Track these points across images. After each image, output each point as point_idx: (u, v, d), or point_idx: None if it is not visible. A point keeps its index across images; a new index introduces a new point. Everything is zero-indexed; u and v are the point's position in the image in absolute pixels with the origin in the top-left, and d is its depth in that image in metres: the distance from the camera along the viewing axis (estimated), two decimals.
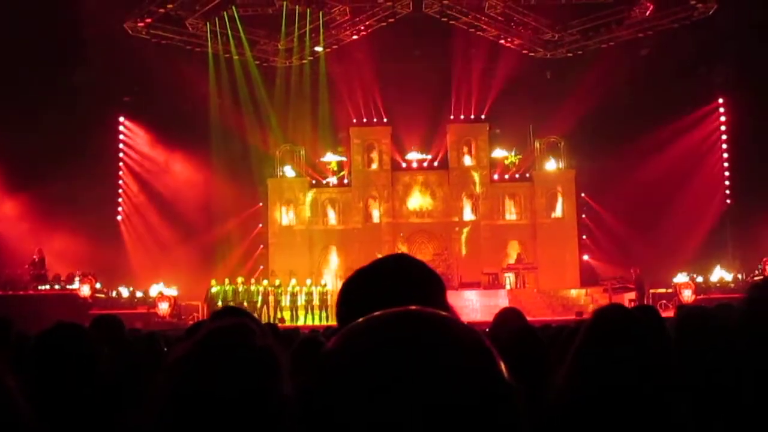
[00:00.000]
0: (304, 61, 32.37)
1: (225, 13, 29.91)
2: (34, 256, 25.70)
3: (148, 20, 28.96)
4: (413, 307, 1.06)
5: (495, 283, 28.82)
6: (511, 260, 30.99)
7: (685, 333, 4.09)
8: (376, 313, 1.05)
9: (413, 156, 33.76)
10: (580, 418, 2.68)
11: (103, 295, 25.85)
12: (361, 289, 1.93)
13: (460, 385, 0.96)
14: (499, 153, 33.82)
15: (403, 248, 31.20)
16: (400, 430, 0.93)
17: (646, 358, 2.74)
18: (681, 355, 3.88)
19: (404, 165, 33.68)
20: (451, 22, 30.74)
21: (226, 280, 26.67)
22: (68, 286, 25.15)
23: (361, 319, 1.06)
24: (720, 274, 26.93)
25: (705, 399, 3.32)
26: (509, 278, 29.47)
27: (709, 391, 3.40)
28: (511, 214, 33.34)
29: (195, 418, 1.78)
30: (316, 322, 24.83)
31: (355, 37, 31.64)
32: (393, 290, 1.83)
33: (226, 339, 1.92)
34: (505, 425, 0.98)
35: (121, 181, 31.94)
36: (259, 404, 1.81)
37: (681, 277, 26.21)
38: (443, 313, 1.06)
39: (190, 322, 17.62)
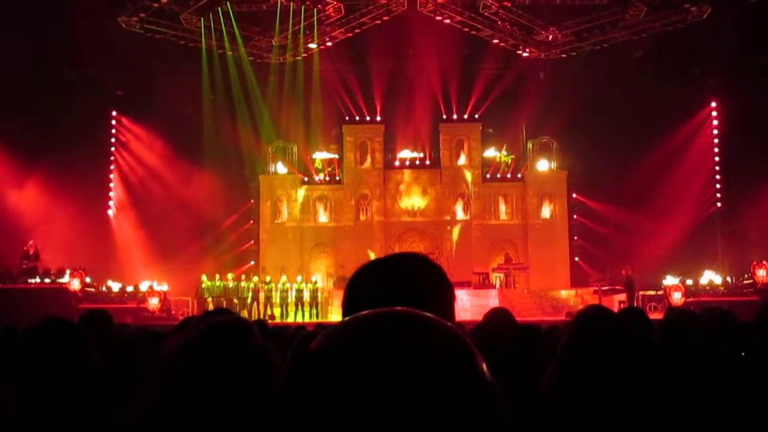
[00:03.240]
0: (298, 58, 32.32)
1: (219, 8, 29.87)
2: (28, 249, 25.61)
3: (142, 15, 28.86)
4: (398, 308, 1.07)
5: (486, 283, 28.85)
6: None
7: (672, 335, 4.11)
8: (360, 314, 1.06)
9: (406, 154, 33.78)
10: (566, 420, 2.69)
11: (93, 290, 25.78)
12: (368, 283, 1.92)
13: (441, 388, 0.96)
14: (491, 153, 33.86)
15: (395, 247, 31.24)
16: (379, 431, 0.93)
17: (627, 360, 2.74)
18: (666, 357, 3.90)
19: (397, 163, 33.71)
20: (445, 21, 30.73)
21: (217, 276, 26.63)
22: (58, 280, 25.06)
23: (345, 319, 1.06)
24: (709, 277, 27.00)
25: (689, 399, 3.34)
26: (499, 278, 29.49)
27: (693, 392, 3.42)
28: (502, 214, 33.39)
29: (188, 412, 1.78)
30: (306, 319, 24.85)
31: (349, 34, 31.60)
32: (401, 288, 1.83)
33: (225, 335, 1.92)
34: (486, 427, 0.98)
35: (112, 176, 31.87)
36: (254, 401, 1.81)
37: (671, 280, 26.26)
38: (428, 314, 1.07)
39: (180, 318, 17.57)
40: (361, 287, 1.90)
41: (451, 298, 1.95)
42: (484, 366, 1.01)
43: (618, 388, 2.66)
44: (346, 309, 1.89)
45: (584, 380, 2.70)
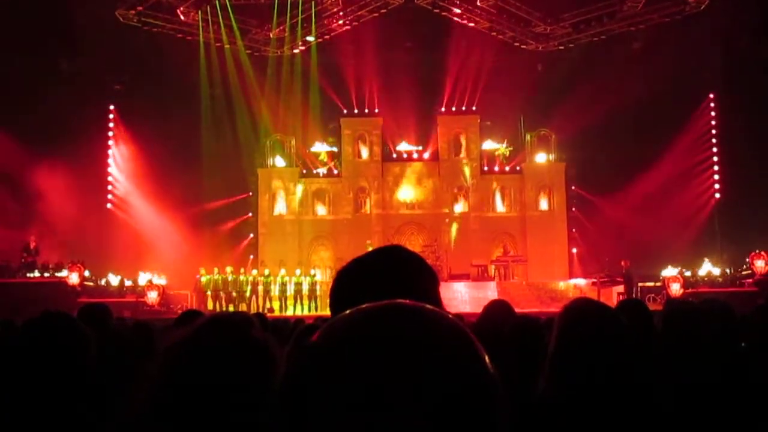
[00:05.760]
0: (296, 51, 32.30)
1: (217, 1, 29.83)
2: (29, 243, 25.59)
3: (140, 8, 28.84)
4: (399, 301, 1.06)
5: (484, 275, 28.84)
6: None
7: (672, 328, 4.10)
8: (362, 306, 1.05)
9: (404, 147, 33.76)
10: (560, 419, 2.67)
11: (91, 284, 25.76)
12: (353, 279, 1.92)
13: (443, 380, 0.96)
14: (489, 145, 33.84)
15: (393, 240, 31.21)
16: (380, 424, 0.93)
17: (620, 353, 2.70)
18: (667, 350, 3.89)
19: (395, 156, 33.68)
20: (443, 13, 30.70)
21: (215, 270, 26.63)
22: (57, 274, 25.05)
23: (346, 312, 1.06)
24: (708, 268, 27.02)
25: (690, 393, 3.33)
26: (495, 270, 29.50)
27: (694, 386, 3.41)
28: (500, 207, 33.40)
29: (189, 406, 1.77)
30: (305, 312, 24.84)
31: (347, 27, 31.57)
32: (385, 282, 1.83)
33: (227, 328, 1.92)
34: (487, 420, 0.98)
35: (111, 169, 31.83)
36: (255, 395, 1.81)
37: (669, 271, 26.28)
38: (429, 306, 1.06)
39: (179, 312, 17.56)
40: (347, 285, 1.91)
41: (436, 287, 1.96)
42: (486, 357, 1.01)
43: (613, 385, 2.64)
44: (334, 308, 1.89)
45: (573, 379, 2.68)
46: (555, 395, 2.72)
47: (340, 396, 0.95)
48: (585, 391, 2.64)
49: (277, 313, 24.87)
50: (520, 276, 30.03)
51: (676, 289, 25.14)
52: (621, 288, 24.85)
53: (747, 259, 25.72)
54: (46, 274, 25.06)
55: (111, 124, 31.90)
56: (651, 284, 26.27)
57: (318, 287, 26.99)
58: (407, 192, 33.30)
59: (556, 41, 31.87)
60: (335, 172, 33.49)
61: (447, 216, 32.82)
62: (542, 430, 2.73)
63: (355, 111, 33.28)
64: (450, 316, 1.06)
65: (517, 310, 5.19)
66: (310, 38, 31.74)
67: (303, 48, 32.20)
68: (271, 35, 31.74)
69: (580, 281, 28.20)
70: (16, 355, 3.00)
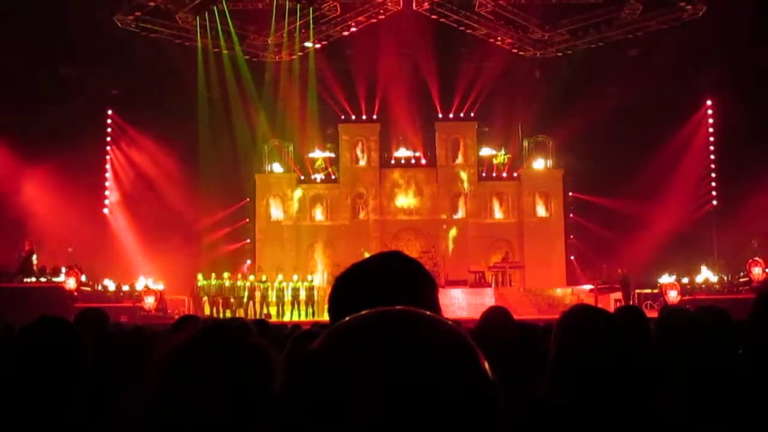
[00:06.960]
0: (294, 57, 32.32)
1: (215, 7, 29.83)
2: (22, 249, 25.51)
3: (138, 13, 28.84)
4: (398, 307, 1.06)
5: (482, 282, 28.83)
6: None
7: (665, 334, 4.10)
8: (361, 313, 1.05)
9: (401, 153, 33.80)
10: (560, 424, 2.67)
11: (89, 289, 25.70)
12: (352, 285, 1.92)
13: (443, 387, 0.96)
14: (487, 152, 33.89)
15: (391, 246, 31.19)
16: (382, 431, 0.93)
17: (620, 359, 2.71)
18: (662, 355, 3.90)
19: (392, 162, 33.72)
20: (441, 19, 30.74)
21: (213, 275, 26.59)
22: (54, 279, 24.98)
23: (346, 319, 1.06)
24: (705, 275, 27.02)
25: (687, 397, 3.33)
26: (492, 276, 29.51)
27: (692, 390, 3.41)
28: (498, 213, 33.43)
29: (186, 412, 1.77)
30: (302, 318, 24.82)
31: (345, 33, 31.60)
32: (384, 288, 1.82)
33: (224, 334, 1.91)
34: (488, 425, 0.98)
35: (108, 174, 31.81)
36: (253, 401, 1.80)
37: (667, 278, 26.27)
38: (429, 313, 1.06)
39: (176, 317, 17.55)
40: (346, 291, 1.90)
41: (435, 294, 1.95)
42: (486, 364, 1.01)
43: (612, 389, 2.64)
44: (333, 314, 1.89)
45: (576, 384, 2.68)
46: (555, 399, 2.72)
47: (342, 403, 0.95)
48: (584, 395, 2.64)
49: (274, 319, 24.82)
50: (518, 282, 30.04)
51: (673, 296, 25.12)
52: (618, 295, 24.88)
53: (745, 266, 25.72)
54: (43, 279, 24.99)
55: (109, 129, 31.88)
56: (648, 291, 26.25)
57: (315, 293, 26.95)
58: (405, 198, 33.34)
59: (554, 48, 31.92)
60: (333, 177, 33.52)
61: (445, 222, 32.86)
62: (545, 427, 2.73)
63: (353, 117, 33.32)
64: (449, 322, 1.06)
65: (514, 316, 5.17)
66: (308, 44, 31.76)
67: (301, 54, 32.21)
68: (269, 41, 31.76)
69: (578, 288, 28.20)
70: (14, 360, 2.99)
